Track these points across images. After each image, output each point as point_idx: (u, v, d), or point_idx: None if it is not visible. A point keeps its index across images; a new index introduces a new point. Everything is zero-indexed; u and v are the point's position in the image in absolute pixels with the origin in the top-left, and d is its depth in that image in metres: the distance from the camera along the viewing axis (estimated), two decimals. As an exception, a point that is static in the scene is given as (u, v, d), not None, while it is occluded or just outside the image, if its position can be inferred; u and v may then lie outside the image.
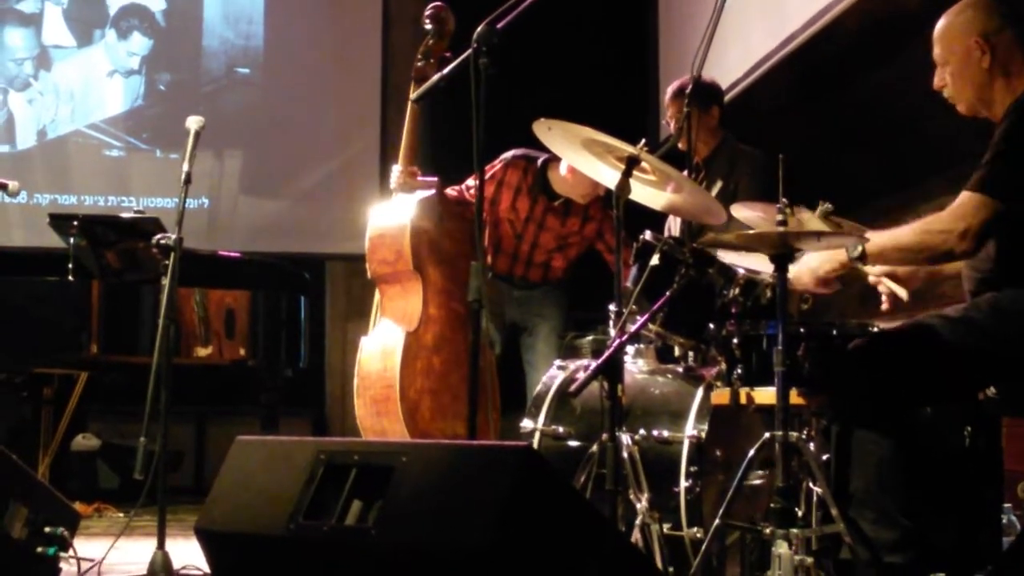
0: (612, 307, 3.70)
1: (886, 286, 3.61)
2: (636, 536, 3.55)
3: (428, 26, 5.55)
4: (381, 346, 5.15)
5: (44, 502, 3.79)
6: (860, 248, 3.30)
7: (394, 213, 5.41)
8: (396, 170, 5.47)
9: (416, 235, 5.28)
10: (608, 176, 3.73)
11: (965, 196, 3.18)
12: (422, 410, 5.06)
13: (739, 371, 3.51)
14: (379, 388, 5.05)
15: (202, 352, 6.53)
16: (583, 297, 5.54)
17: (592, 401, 3.82)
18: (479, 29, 3.82)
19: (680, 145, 4.77)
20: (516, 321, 5.75)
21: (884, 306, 3.63)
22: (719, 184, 4.98)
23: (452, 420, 5.09)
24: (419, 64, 5.47)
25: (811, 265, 3.46)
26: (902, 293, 3.60)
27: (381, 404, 5.02)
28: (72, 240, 6.51)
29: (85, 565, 3.95)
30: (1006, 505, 3.67)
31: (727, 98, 6.50)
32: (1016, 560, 3.03)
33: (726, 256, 3.79)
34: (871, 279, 3.64)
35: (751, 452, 3.32)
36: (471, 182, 5.45)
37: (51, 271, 6.51)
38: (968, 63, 3.35)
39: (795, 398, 3.31)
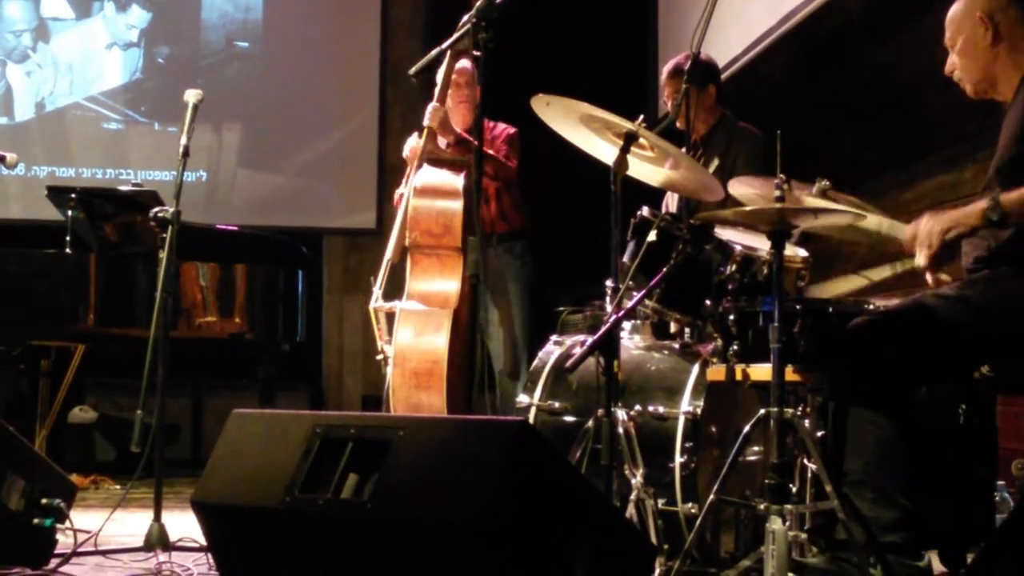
0: (609, 283, 3.71)
1: None
2: (631, 511, 3.56)
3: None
4: (425, 320, 4.98)
5: (41, 474, 3.80)
6: (999, 208, 3.11)
7: (446, 184, 5.15)
8: (433, 106, 5.32)
9: (467, 213, 5.13)
10: (606, 152, 3.72)
11: None
12: (457, 387, 4.98)
13: (735, 347, 3.52)
14: (422, 362, 4.90)
15: (199, 325, 6.53)
16: (580, 272, 5.54)
17: (588, 377, 3.82)
18: (478, 3, 3.82)
19: (678, 124, 4.77)
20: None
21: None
22: (716, 162, 4.98)
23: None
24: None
25: (940, 224, 3.19)
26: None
27: (423, 378, 4.87)
28: (70, 213, 6.50)
29: (82, 537, 3.95)
30: (1000, 483, 3.69)
31: (726, 75, 6.50)
32: (1009, 537, 3.03)
33: (723, 232, 3.79)
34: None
35: (746, 428, 3.32)
36: None
37: (49, 243, 6.50)
38: (973, 41, 3.35)
39: (791, 375, 3.32)
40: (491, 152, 5.38)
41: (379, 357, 5.11)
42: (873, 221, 3.57)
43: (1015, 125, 3.24)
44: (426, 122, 5.27)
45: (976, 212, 3.14)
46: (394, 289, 5.17)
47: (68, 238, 6.39)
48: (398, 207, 5.43)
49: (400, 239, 5.17)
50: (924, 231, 3.20)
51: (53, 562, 3.76)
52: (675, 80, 5.07)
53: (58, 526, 3.76)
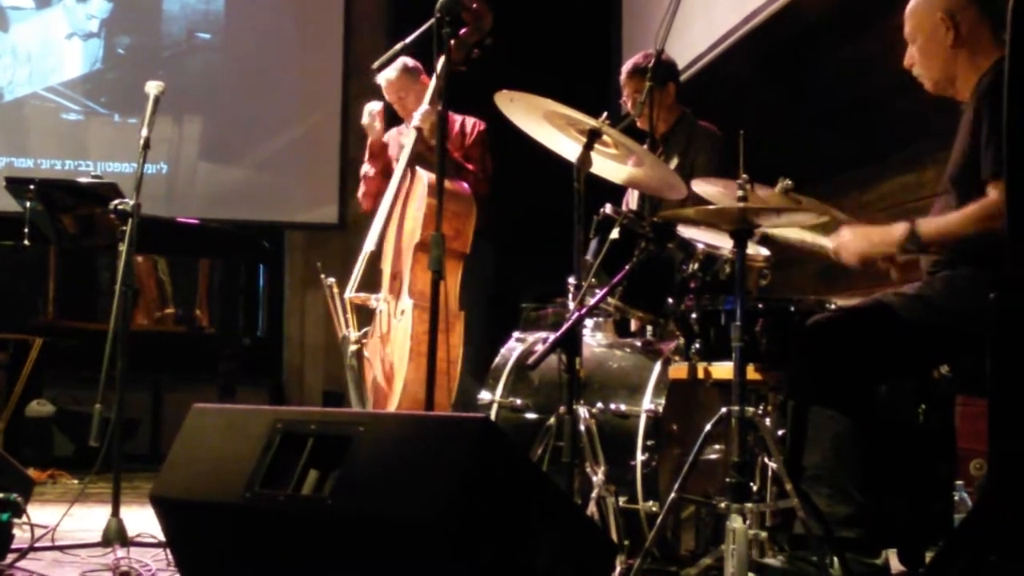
0: (571, 280, 3.71)
1: None
2: (592, 509, 3.56)
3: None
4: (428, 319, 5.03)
5: (-3, 468, 3.77)
6: (917, 236, 3.25)
7: (461, 191, 5.27)
8: (425, 109, 5.35)
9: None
10: (570, 149, 3.72)
11: (991, 186, 3.15)
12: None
13: (697, 346, 3.53)
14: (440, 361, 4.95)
15: (159, 319, 6.49)
16: (542, 269, 5.54)
17: (550, 374, 3.82)
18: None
19: (639, 123, 4.78)
20: None
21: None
22: (676, 160, 4.99)
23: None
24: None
25: (860, 247, 3.37)
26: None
27: (441, 377, 4.88)
28: (28, 204, 6.45)
29: (39, 532, 3.92)
30: (958, 482, 3.72)
31: (690, 73, 6.53)
32: (967, 537, 3.05)
33: (686, 231, 3.80)
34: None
35: (708, 427, 3.33)
36: None
37: (6, 235, 6.44)
38: (934, 39, 3.37)
39: (752, 373, 3.33)
40: (472, 169, 5.41)
41: (352, 347, 5.13)
42: (796, 234, 3.62)
43: (966, 137, 3.27)
44: (415, 123, 5.31)
45: (894, 240, 3.29)
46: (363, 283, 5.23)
47: (26, 230, 6.34)
48: (372, 194, 5.51)
49: (384, 229, 5.24)
50: (845, 254, 3.38)
51: (9, 557, 3.71)
52: (634, 79, 5.10)
53: (15, 521, 3.73)
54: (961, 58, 3.36)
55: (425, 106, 5.34)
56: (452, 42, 3.89)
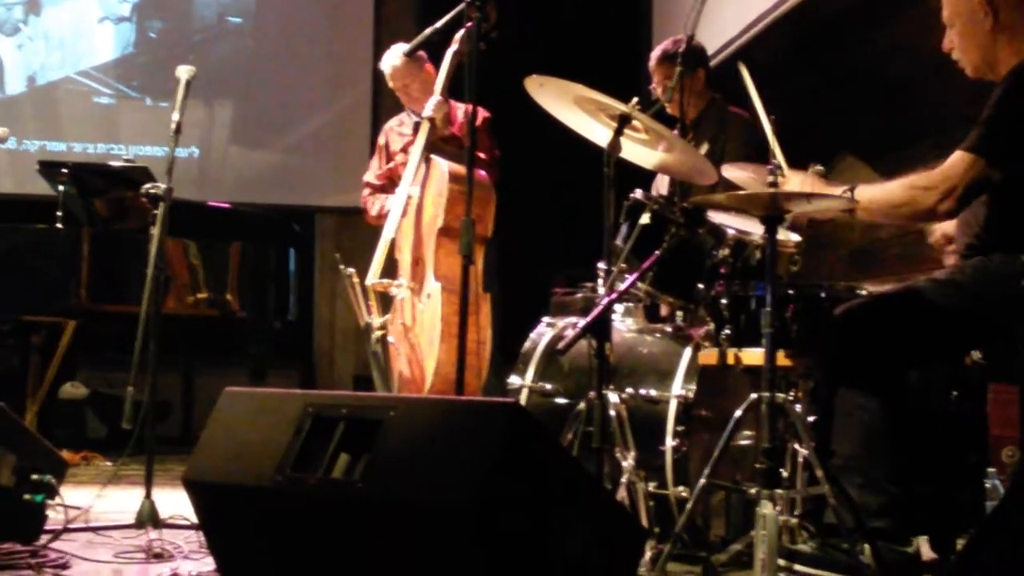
0: (601, 265, 3.71)
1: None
2: (622, 494, 3.56)
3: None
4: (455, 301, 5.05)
5: (32, 450, 3.79)
6: (852, 199, 3.27)
7: (481, 177, 5.26)
8: (437, 100, 5.38)
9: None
10: (600, 134, 3.72)
11: (957, 155, 3.18)
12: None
13: (727, 331, 3.52)
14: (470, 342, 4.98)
15: (191, 302, 6.52)
16: (573, 254, 5.55)
17: (580, 359, 3.82)
18: (474, -17, 3.81)
19: (669, 109, 4.76)
20: None
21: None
22: (706, 146, 4.97)
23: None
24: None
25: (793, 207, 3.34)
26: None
27: (471, 357, 4.92)
28: (61, 188, 6.48)
29: (72, 513, 3.95)
30: (990, 470, 3.70)
31: (720, 57, 6.49)
32: (999, 524, 3.05)
33: (716, 216, 3.79)
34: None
35: (738, 412, 3.33)
36: None
37: (40, 219, 6.48)
38: (973, 24, 3.34)
39: (782, 360, 3.32)
40: (484, 158, 5.41)
41: (376, 334, 5.17)
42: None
43: (992, 103, 3.25)
44: (428, 113, 5.32)
45: (832, 202, 3.29)
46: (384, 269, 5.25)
47: (59, 213, 6.37)
48: (386, 183, 5.53)
49: (403, 218, 5.30)
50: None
51: (43, 538, 3.75)
52: (663, 66, 5.08)
53: (48, 502, 3.76)
54: (1001, 42, 3.33)
55: (437, 97, 5.35)
56: (461, 33, 3.88)
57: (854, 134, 6.05)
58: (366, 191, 5.89)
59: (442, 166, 5.25)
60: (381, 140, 5.91)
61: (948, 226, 3.57)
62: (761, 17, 6.37)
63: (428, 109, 5.36)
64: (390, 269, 5.42)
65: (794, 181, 3.42)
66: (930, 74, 3.65)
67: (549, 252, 7.51)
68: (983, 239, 3.31)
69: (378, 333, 5.28)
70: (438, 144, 5.38)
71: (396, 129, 5.82)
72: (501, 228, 5.67)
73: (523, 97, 3.75)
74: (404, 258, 5.38)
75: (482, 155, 5.43)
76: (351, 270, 5.30)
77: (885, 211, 3.32)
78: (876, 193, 3.28)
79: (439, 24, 4.59)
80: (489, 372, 5.20)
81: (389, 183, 5.71)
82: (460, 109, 5.57)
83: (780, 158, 3.46)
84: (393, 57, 5.60)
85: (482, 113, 5.57)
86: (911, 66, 5.41)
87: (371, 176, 5.89)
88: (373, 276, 5.30)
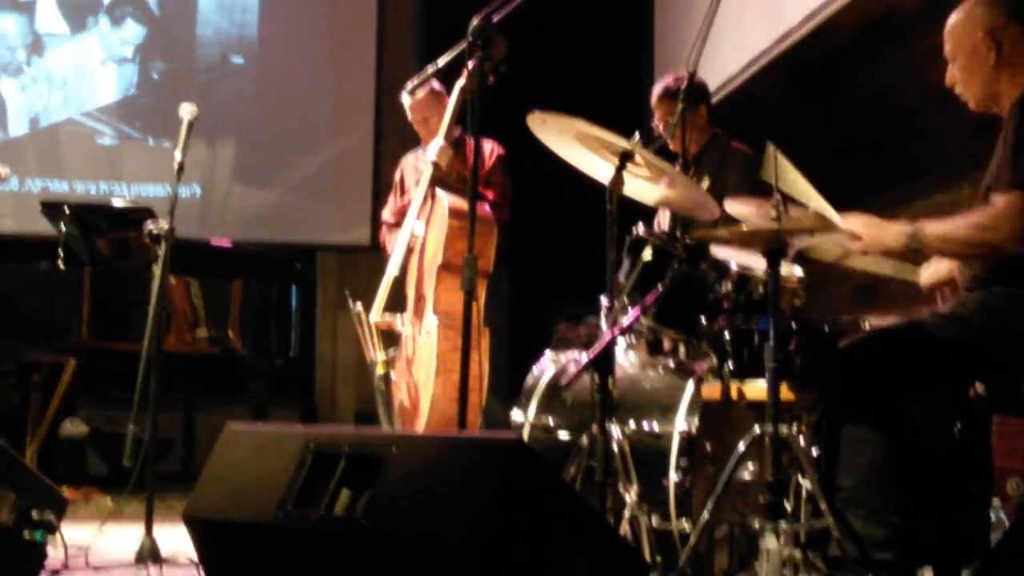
0: (603, 299, 3.70)
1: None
2: (625, 528, 3.55)
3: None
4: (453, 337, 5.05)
5: (32, 487, 3.78)
6: (918, 237, 3.27)
7: (482, 212, 5.26)
8: (441, 145, 5.39)
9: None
10: (602, 170, 3.72)
11: (1011, 196, 3.14)
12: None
13: (730, 365, 3.51)
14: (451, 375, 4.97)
15: (192, 340, 6.51)
16: (575, 288, 5.54)
17: (583, 394, 3.82)
18: (474, 22, 3.81)
19: (671, 145, 4.78)
20: None
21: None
22: (707, 180, 4.98)
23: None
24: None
25: (869, 234, 3.36)
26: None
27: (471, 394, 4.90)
28: (64, 227, 6.50)
29: (72, 551, 3.94)
30: (995, 501, 3.68)
31: (721, 95, 6.52)
32: (1004, 556, 3.03)
33: (719, 250, 3.79)
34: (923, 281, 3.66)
35: (741, 446, 3.32)
36: None
37: (42, 258, 6.49)
38: (975, 59, 3.35)
39: (786, 393, 3.31)
40: (492, 198, 5.42)
41: (380, 371, 5.16)
42: (875, 265, 3.61)
43: (1002, 149, 3.25)
44: (431, 158, 5.34)
45: (897, 236, 3.29)
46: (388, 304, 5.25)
47: (61, 252, 6.38)
48: (401, 219, 5.52)
49: (408, 253, 5.25)
50: (875, 239, 3.35)
51: (43, 576, 3.74)
52: (665, 102, 5.10)
53: (48, 539, 3.74)
54: (1004, 76, 3.34)
55: (440, 141, 5.37)
56: (468, 68, 3.89)
57: (855, 169, 6.06)
58: (384, 228, 5.89)
59: (443, 201, 5.25)
60: (396, 176, 5.91)
61: (941, 272, 3.58)
62: (761, 55, 6.40)
63: (431, 153, 5.38)
64: (400, 305, 5.42)
65: (854, 222, 3.39)
66: (930, 109, 3.66)
67: (552, 287, 7.50)
68: (986, 273, 3.31)
69: (381, 371, 5.28)
70: (450, 183, 5.38)
71: (412, 164, 5.83)
72: (513, 262, 5.68)
73: (524, 132, 3.75)
74: (410, 295, 5.39)
75: (489, 193, 5.43)
76: (359, 306, 5.30)
77: (952, 249, 3.32)
78: (944, 230, 3.26)
79: (441, 62, 4.60)
80: (494, 404, 5.18)
81: (404, 219, 5.72)
82: (485, 148, 5.57)
83: (830, 210, 3.46)
84: (415, 91, 5.59)
85: (497, 150, 5.59)
86: (911, 102, 5.43)
87: (387, 213, 5.89)
88: (376, 313, 5.30)
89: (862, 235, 3.35)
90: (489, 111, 3.86)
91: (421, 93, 5.59)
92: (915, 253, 3.33)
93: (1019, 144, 3.16)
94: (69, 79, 9.17)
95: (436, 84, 5.60)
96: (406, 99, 5.67)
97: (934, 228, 3.27)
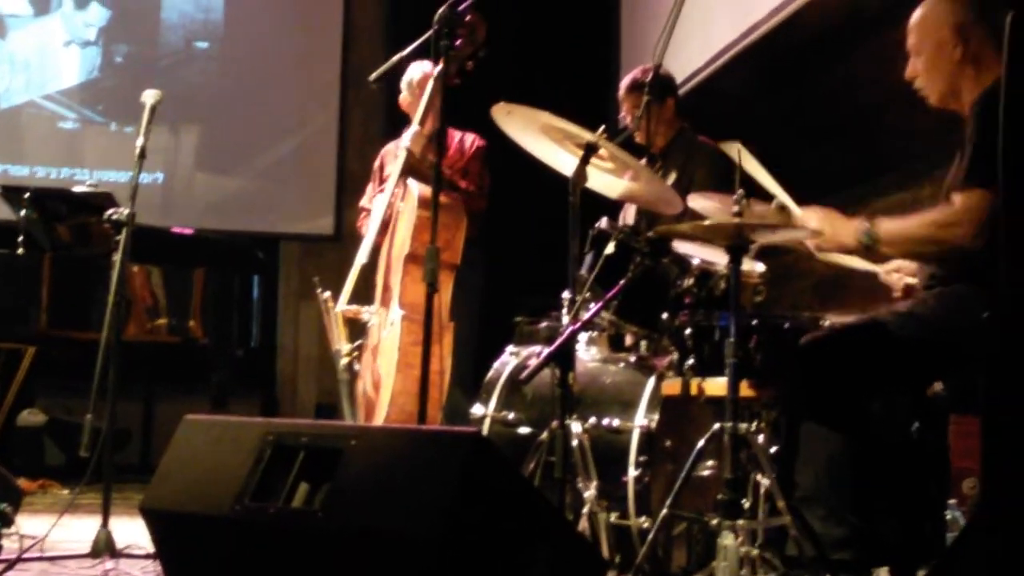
0: (565, 294, 3.70)
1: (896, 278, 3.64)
2: (583, 524, 3.55)
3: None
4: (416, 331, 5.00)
5: (-13, 477, 3.75)
6: (872, 235, 3.27)
7: (452, 204, 5.18)
8: (415, 131, 5.33)
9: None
10: (566, 162, 3.71)
11: (970, 194, 3.14)
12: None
13: (691, 361, 3.52)
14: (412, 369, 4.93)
15: (152, 329, 6.47)
16: (537, 283, 5.54)
17: (543, 388, 3.81)
18: (440, 10, 3.80)
19: (637, 138, 4.77)
20: None
21: (897, 294, 3.62)
22: (674, 175, 4.98)
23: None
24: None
25: (824, 228, 3.38)
26: (914, 281, 3.59)
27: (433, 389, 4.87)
28: (23, 213, 6.44)
29: (28, 542, 3.90)
30: (951, 501, 3.70)
31: (687, 88, 6.52)
32: (959, 556, 3.05)
33: (681, 246, 3.79)
34: (882, 275, 3.67)
35: (700, 443, 3.32)
36: None
37: (1, 244, 6.43)
38: (941, 54, 3.36)
39: (746, 390, 3.32)
40: (465, 186, 5.38)
41: (344, 360, 5.12)
42: (844, 260, 3.63)
43: (962, 152, 3.26)
44: (405, 144, 5.28)
45: (852, 233, 3.31)
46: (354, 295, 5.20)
47: (20, 238, 6.32)
48: (371, 204, 5.47)
49: (377, 242, 5.22)
50: (832, 237, 3.37)
51: (-2, 568, 3.70)
52: (633, 95, 5.08)
53: (4, 531, 3.71)
54: (967, 73, 3.34)
55: (415, 127, 5.30)
56: (440, 55, 3.86)
57: (818, 165, 6.08)
58: (362, 215, 5.83)
59: (414, 191, 5.20)
60: (376, 163, 5.84)
61: (903, 264, 3.60)
62: (727, 48, 6.40)
63: (405, 139, 5.32)
64: (369, 295, 5.37)
65: (811, 216, 3.40)
66: (893, 106, 3.67)
67: (514, 281, 7.49)
68: (945, 271, 3.33)
69: (346, 360, 5.22)
70: (418, 169, 5.30)
71: (392, 151, 5.76)
72: (488, 254, 5.65)
73: (489, 123, 3.73)
74: (379, 285, 5.35)
75: (463, 183, 5.39)
76: (327, 294, 5.26)
77: (909, 248, 3.33)
78: (897, 230, 3.27)
79: (407, 51, 4.58)
80: (461, 398, 5.16)
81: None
82: (456, 138, 5.54)
83: (791, 203, 3.47)
84: (417, 71, 5.51)
85: (478, 142, 5.54)
86: (874, 98, 5.44)
87: (366, 200, 5.81)
88: (343, 303, 5.25)
89: (821, 231, 3.36)
90: (456, 106, 3.85)
91: (419, 75, 5.47)
92: (868, 251, 3.33)
93: (979, 143, 3.17)
94: (32, 61, 9.09)
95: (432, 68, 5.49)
96: (405, 82, 5.56)
97: (890, 226, 3.28)
